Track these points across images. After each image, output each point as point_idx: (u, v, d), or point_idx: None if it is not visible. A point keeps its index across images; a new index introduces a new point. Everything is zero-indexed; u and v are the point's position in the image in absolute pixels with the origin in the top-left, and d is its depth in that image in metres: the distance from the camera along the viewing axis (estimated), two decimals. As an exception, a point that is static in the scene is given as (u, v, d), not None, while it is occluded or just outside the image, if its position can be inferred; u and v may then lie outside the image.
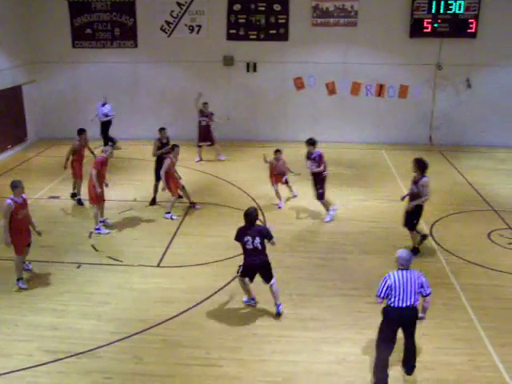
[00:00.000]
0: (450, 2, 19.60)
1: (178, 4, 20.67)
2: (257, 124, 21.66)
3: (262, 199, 15.49)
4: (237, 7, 20.56)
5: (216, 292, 10.58)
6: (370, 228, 13.62)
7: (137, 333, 9.33)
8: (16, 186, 10.50)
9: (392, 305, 7.76)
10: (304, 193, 15.52)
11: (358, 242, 12.79)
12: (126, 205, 15.08)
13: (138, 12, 20.94)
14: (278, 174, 15.14)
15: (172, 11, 20.77)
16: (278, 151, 15.21)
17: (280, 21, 20.64)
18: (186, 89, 21.39)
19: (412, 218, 11.97)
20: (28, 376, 8.29)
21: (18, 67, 20.63)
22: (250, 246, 9.61)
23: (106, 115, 20.11)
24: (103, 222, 13.60)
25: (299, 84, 21.18)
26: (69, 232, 13.40)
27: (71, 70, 21.78)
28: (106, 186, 13.61)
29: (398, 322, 7.87)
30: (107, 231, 13.28)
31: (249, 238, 9.58)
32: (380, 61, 20.58)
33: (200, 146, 19.11)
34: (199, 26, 20.85)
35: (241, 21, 20.68)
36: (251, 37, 20.83)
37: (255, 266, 9.72)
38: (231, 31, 20.83)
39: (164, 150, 14.74)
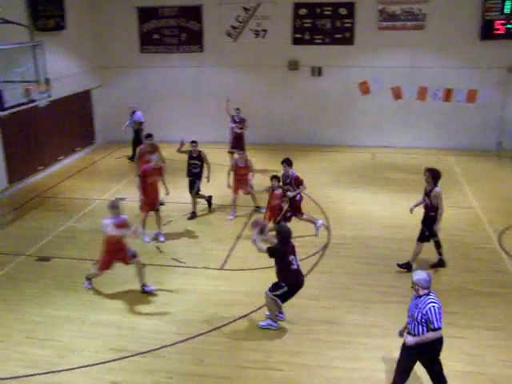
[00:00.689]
0: (524, 1, 18.97)
1: (244, 9, 20.83)
2: (321, 128, 21.54)
3: (325, 203, 15.38)
4: (302, 12, 20.54)
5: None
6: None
7: (198, 334, 9.40)
8: (114, 207, 10.45)
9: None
10: (363, 198, 15.35)
11: (423, 250, 12.51)
12: (190, 207, 15.22)
13: (204, 17, 21.21)
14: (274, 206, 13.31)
15: (238, 16, 20.94)
16: (274, 177, 13.39)
17: (346, 25, 20.49)
18: (251, 93, 21.52)
19: (424, 229, 11.49)
20: (93, 372, 8.49)
21: (88, 72, 21.24)
22: (295, 266, 9.24)
23: (140, 122, 19.67)
24: (157, 234, 13.32)
25: (364, 89, 20.93)
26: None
27: (138, 75, 22.27)
28: (167, 194, 13.64)
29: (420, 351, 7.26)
30: (148, 240, 13.17)
31: (293, 257, 9.27)
32: (448, 64, 20.12)
33: (232, 153, 17.94)
34: (265, 31, 20.94)
35: (306, 25, 20.65)
36: (316, 41, 20.76)
37: (302, 284, 9.44)
38: (296, 35, 20.82)
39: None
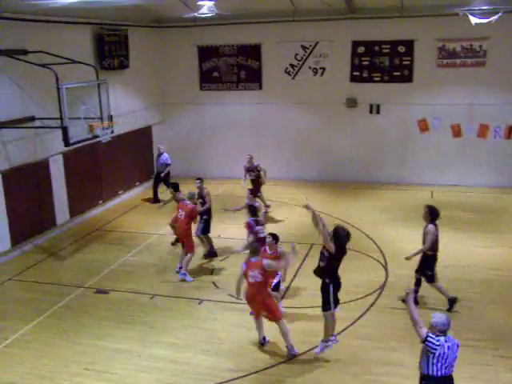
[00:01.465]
0: None
1: (303, 47, 21.04)
2: (379, 166, 21.36)
3: (382, 241, 15.17)
4: (361, 49, 20.60)
5: (336, 335, 10.39)
6: (496, 276, 12.91)
7: (254, 372, 9.31)
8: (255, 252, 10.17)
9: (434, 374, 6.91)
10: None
11: (484, 291, 12.15)
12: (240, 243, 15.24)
13: (263, 55, 21.52)
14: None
15: (296, 54, 21.16)
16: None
17: (404, 62, 20.42)
18: (309, 130, 21.62)
19: (425, 270, 11.36)
20: (148, 407, 8.49)
21: (149, 108, 21.78)
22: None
23: (166, 164, 19.48)
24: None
25: (423, 126, 20.75)
26: (191, 268, 13.71)
27: (197, 111, 22.67)
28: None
29: None
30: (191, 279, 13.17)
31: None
32: (510, 101, 19.72)
33: (258, 196, 17.17)
34: (323, 69, 21.07)
35: (364, 63, 20.68)
36: (375, 79, 20.75)
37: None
38: (355, 73, 20.87)
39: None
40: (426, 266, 11.41)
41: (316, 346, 9.80)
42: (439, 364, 6.81)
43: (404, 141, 21.01)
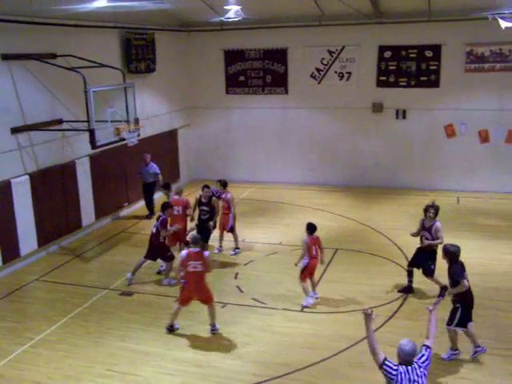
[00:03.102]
0: None
1: (329, 52, 20.98)
2: (405, 171, 21.19)
3: (408, 248, 15.01)
4: (387, 54, 20.48)
5: (359, 341, 10.28)
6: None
7: (277, 377, 9.27)
8: (195, 242, 10.69)
9: None
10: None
11: (511, 299, 11.97)
12: (272, 248, 15.22)
13: (289, 59, 21.51)
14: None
15: (322, 59, 21.11)
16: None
17: (431, 67, 20.25)
18: (334, 135, 21.56)
19: (429, 263, 11.77)
20: (172, 410, 8.50)
21: (175, 112, 21.89)
22: (469, 284, 9.47)
23: (156, 174, 18.28)
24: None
25: (450, 131, 20.55)
26: (216, 272, 13.71)
27: (223, 115, 22.74)
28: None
29: None
30: None
31: (466, 273, 9.57)
32: (539, 107, 19.48)
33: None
34: (349, 73, 20.99)
35: (391, 67, 20.56)
36: (401, 83, 20.61)
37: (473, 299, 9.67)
38: (381, 78, 20.76)
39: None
40: (431, 260, 11.83)
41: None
42: None
43: (430, 146, 20.82)
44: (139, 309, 11.86)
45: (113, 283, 13.15)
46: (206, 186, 14.56)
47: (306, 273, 11.82)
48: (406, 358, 6.45)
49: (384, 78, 20.74)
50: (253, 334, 10.70)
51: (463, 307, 9.50)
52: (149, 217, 18.23)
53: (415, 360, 6.48)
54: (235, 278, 13.41)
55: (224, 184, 15.00)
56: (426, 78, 20.39)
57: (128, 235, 16.75)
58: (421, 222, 12.18)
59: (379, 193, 20.53)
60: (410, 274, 12.35)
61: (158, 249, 13.10)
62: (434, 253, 11.82)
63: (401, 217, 17.80)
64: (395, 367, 6.42)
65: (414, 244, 15.12)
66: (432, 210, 11.86)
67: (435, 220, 11.86)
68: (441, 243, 11.37)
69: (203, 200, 14.40)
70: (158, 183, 18.01)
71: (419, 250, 12.18)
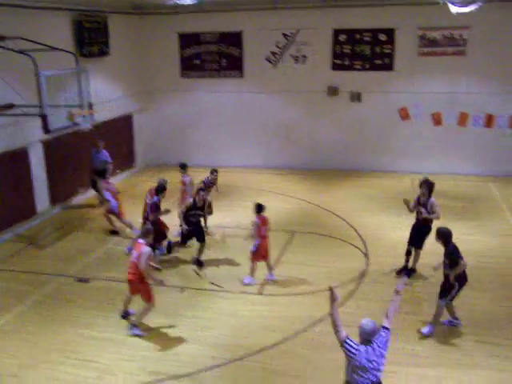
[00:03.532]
0: None
1: (284, 35, 20.98)
2: (361, 154, 21.44)
3: (363, 229, 15.26)
4: (342, 38, 20.60)
5: (316, 322, 10.47)
6: (477, 263, 13.01)
7: (236, 359, 9.36)
8: (148, 233, 10.36)
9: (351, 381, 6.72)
10: (402, 225, 15.22)
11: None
12: (230, 231, 15.26)
13: (244, 43, 21.44)
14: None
15: (278, 42, 21.10)
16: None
17: (385, 51, 20.46)
18: (290, 118, 21.63)
19: (424, 237, 12.07)
20: (131, 395, 8.51)
21: (130, 96, 21.61)
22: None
23: (106, 162, 17.70)
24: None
25: (404, 114, 20.85)
26: (173, 257, 13.72)
27: (179, 99, 22.57)
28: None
29: None
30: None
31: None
32: (490, 90, 19.87)
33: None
34: (304, 57, 21.05)
35: (346, 51, 20.69)
36: (356, 67, 20.78)
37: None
38: (336, 61, 20.87)
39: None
40: (427, 234, 12.07)
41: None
42: (355, 375, 6.56)
43: (385, 129, 21.10)
44: (96, 295, 11.77)
45: (69, 270, 13.00)
46: (215, 171, 15.07)
47: (258, 254, 11.90)
48: (367, 338, 6.59)
49: (339, 62, 20.87)
50: (211, 318, 10.74)
51: (459, 284, 9.86)
52: (100, 206, 17.90)
53: (375, 340, 6.61)
54: (192, 263, 13.40)
55: (183, 166, 15.00)
56: (380, 62, 20.59)
57: (84, 221, 16.55)
58: (416, 198, 12.27)
59: (336, 175, 20.74)
60: (408, 253, 12.49)
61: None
62: (429, 229, 12.01)
63: (357, 199, 18.04)
64: (355, 346, 6.56)
65: (370, 226, 15.44)
66: (424, 186, 11.96)
67: (430, 196, 11.95)
68: (437, 218, 11.72)
69: (198, 205, 13.07)
70: (108, 172, 17.75)
71: (414, 228, 12.37)
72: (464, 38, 19.60)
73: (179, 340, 9.97)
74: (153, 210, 13.03)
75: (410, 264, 12.50)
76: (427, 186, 11.96)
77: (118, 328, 10.38)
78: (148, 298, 10.19)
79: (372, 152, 21.35)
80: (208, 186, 14.98)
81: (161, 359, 9.41)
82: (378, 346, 6.61)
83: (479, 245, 14.19)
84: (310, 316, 10.66)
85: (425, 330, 10.08)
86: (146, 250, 9.90)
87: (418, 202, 12.13)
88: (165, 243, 13.45)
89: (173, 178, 16.76)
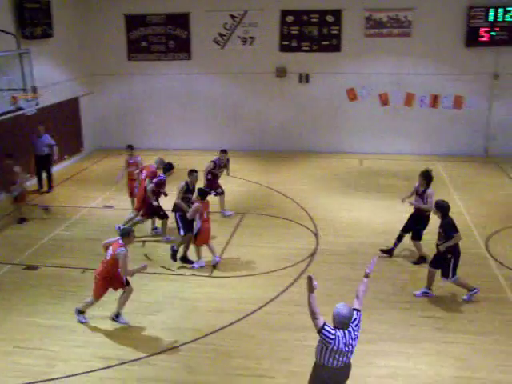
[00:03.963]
0: (508, 9, 19.15)
1: (232, 16, 20.88)
2: (309, 135, 21.60)
3: (313, 210, 15.43)
4: (289, 19, 20.63)
5: (268, 303, 10.57)
6: (424, 240, 13.31)
7: (189, 342, 9.39)
8: (129, 234, 9.75)
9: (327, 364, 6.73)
10: (353, 205, 15.42)
11: (411, 255, 12.57)
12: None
13: (191, 25, 21.24)
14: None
15: (225, 23, 20.99)
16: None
17: (333, 32, 20.59)
18: (239, 100, 21.62)
19: (418, 227, 12.15)
20: (83, 382, 8.45)
21: (75, 79, 21.19)
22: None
23: (50, 145, 17.42)
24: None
25: (352, 95, 21.07)
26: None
27: (126, 82, 22.25)
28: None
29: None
30: None
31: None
32: (434, 71, 20.27)
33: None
34: (252, 38, 21.01)
35: (293, 32, 20.74)
36: (304, 48, 20.86)
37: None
38: (284, 43, 20.91)
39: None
40: (422, 224, 12.09)
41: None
42: (331, 357, 6.61)
43: (334, 110, 21.30)
44: (46, 282, 11.60)
45: (17, 258, 12.76)
46: (224, 151, 14.96)
47: (201, 238, 11.91)
48: (344, 321, 6.59)
49: (287, 43, 20.91)
50: (162, 302, 10.73)
51: (454, 257, 10.22)
52: (49, 191, 17.64)
53: (350, 323, 6.64)
54: (142, 246, 13.33)
55: (131, 147, 14.91)
56: (327, 43, 20.72)
57: (32, 208, 16.21)
58: (414, 187, 12.31)
59: (285, 157, 20.85)
60: (399, 239, 12.50)
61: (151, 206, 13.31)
62: (425, 218, 12.02)
63: (306, 180, 18.20)
64: (333, 331, 6.55)
65: (320, 207, 15.61)
66: (422, 177, 11.98)
67: (428, 187, 11.92)
68: (428, 209, 11.71)
69: (191, 187, 12.73)
70: (53, 155, 17.48)
71: (410, 216, 12.36)
72: (409, 19, 19.89)
73: (131, 324, 9.93)
74: (159, 186, 13.19)
75: (416, 255, 12.46)
76: (425, 176, 11.97)
77: (68, 315, 10.24)
78: (121, 285, 9.90)
79: (321, 133, 21.53)
80: (220, 166, 14.91)
81: (113, 345, 9.36)
82: (353, 329, 6.65)
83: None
84: (259, 297, 10.75)
85: (418, 292, 10.76)
86: (122, 250, 9.47)
87: (416, 192, 12.19)
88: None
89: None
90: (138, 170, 14.27)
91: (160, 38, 21.55)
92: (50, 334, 9.71)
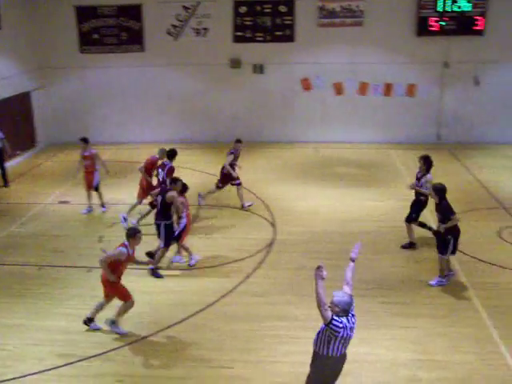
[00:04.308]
0: (456, -1, 19.59)
1: (184, 8, 20.73)
2: (265, 125, 21.67)
3: (270, 200, 15.51)
4: (243, 10, 20.60)
5: (226, 294, 10.62)
6: (379, 228, 13.60)
7: (149, 335, 9.38)
8: (134, 235, 9.34)
9: (333, 354, 6.75)
10: (310, 194, 15.55)
11: (368, 242, 12.73)
12: (136, 208, 15.10)
13: (144, 16, 21.02)
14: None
15: (178, 15, 20.83)
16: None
17: (286, 22, 20.66)
18: (194, 91, 21.50)
19: (412, 212, 12.36)
20: (41, 380, 8.36)
21: (26, 73, 20.75)
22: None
23: (1, 140, 17.04)
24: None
25: (306, 85, 21.20)
26: (79, 236, 13.48)
27: (79, 76, 21.89)
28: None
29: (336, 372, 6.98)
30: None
31: None
32: (387, 60, 20.54)
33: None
34: (206, 29, 20.91)
35: (247, 23, 20.73)
36: (258, 39, 20.87)
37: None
38: (238, 33, 20.88)
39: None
40: (417, 208, 12.32)
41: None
42: (340, 345, 6.64)
43: (289, 99, 21.39)
44: (1, 280, 11.40)
45: (-30, 256, 12.52)
46: (239, 141, 14.88)
47: (185, 234, 11.87)
48: (347, 308, 6.61)
49: (240, 34, 20.88)
50: (122, 296, 10.67)
51: (454, 238, 10.47)
52: (6, 186, 17.29)
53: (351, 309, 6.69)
54: (100, 241, 13.19)
55: (86, 140, 14.74)
56: (281, 33, 20.78)
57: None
58: (417, 172, 12.50)
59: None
60: (421, 225, 12.64)
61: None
62: (420, 203, 12.28)
63: (262, 170, 18.25)
64: (340, 320, 6.53)
65: (277, 197, 15.69)
66: (422, 162, 12.21)
67: (428, 172, 12.11)
68: (426, 194, 11.88)
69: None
70: (6, 149, 17.13)
71: (412, 203, 12.52)
72: (361, 9, 20.08)
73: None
74: (170, 173, 13.20)
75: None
76: (425, 161, 12.15)
77: (25, 313, 10.11)
78: (122, 297, 9.48)
79: (276, 123, 21.61)
80: (237, 156, 14.85)
81: (71, 342, 9.27)
82: (352, 315, 6.70)
83: (380, 210, 14.76)
84: (218, 288, 10.79)
85: (433, 281, 10.81)
86: (120, 250, 9.17)
87: (417, 177, 12.40)
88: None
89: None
90: (141, 166, 14.19)
91: (112, 31, 21.25)
92: (7, 332, 9.56)
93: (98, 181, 14.74)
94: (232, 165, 14.72)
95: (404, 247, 12.46)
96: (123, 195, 15.70)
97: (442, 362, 8.56)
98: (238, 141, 14.94)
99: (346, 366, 7.49)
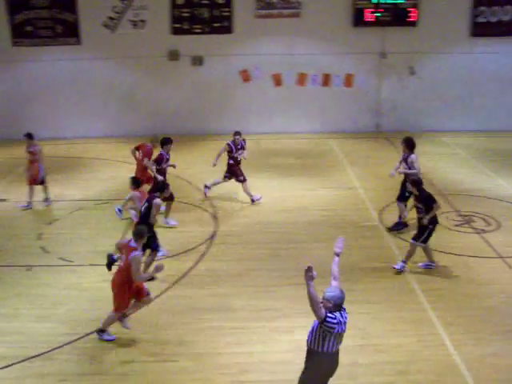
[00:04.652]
0: (390, -9, 19.95)
1: (121, -1, 20.44)
2: (205, 118, 21.61)
3: (214, 193, 15.48)
4: (180, 1, 20.46)
5: (168, 288, 10.57)
6: (320, 216, 13.78)
7: (90, 333, 9.22)
8: (142, 236, 9.10)
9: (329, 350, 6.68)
10: (251, 186, 15.60)
11: (310, 231, 12.92)
12: (75, 204, 14.86)
13: (79, 8, 20.57)
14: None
15: (114, 7, 20.49)
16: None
17: (224, 14, 20.63)
18: (132, 85, 21.26)
19: (404, 191, 12.65)
20: (-20, 383, 8.15)
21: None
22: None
23: None
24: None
25: (245, 76, 21.24)
26: (17, 235, 13.16)
27: (12, 70, 21.26)
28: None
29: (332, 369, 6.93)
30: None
31: None
32: (325, 51, 20.78)
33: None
34: (143, 21, 20.66)
35: (184, 15, 20.59)
36: (196, 30, 20.77)
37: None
38: (175, 25, 20.72)
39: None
40: (406, 186, 12.41)
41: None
42: (335, 341, 6.55)
43: (228, 91, 21.39)
44: None
45: None
46: (238, 133, 14.67)
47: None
48: (341, 303, 6.55)
49: (178, 26, 20.74)
50: (63, 294, 10.46)
51: (433, 227, 10.73)
52: None
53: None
54: (39, 238, 12.92)
55: (30, 136, 14.49)
56: (219, 25, 20.75)
57: None
58: (402, 155, 12.76)
59: (180, 140, 20.53)
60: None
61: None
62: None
63: (202, 162, 18.13)
64: (334, 316, 6.45)
65: (220, 190, 15.67)
66: (404, 144, 12.55)
67: (412, 152, 12.41)
68: (416, 173, 12.16)
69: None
70: None
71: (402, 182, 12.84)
72: (298, 0, 20.21)
73: (29, 320, 9.62)
74: (160, 162, 13.42)
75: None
76: (406, 142, 12.54)
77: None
78: (118, 305, 8.96)
79: (216, 115, 21.59)
80: (237, 148, 14.68)
81: (10, 343, 9.02)
82: (344, 309, 6.64)
83: (321, 199, 14.96)
84: (162, 282, 10.71)
85: (397, 265, 10.96)
86: (137, 254, 8.73)
87: (402, 159, 12.67)
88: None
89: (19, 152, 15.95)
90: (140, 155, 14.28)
91: (46, 23, 20.70)
92: None
93: (43, 175, 14.52)
94: (234, 158, 14.58)
95: (392, 229, 12.80)
96: (61, 191, 15.39)
97: (381, 345, 8.74)
98: (236, 133, 14.81)
99: (286, 355, 7.60)
